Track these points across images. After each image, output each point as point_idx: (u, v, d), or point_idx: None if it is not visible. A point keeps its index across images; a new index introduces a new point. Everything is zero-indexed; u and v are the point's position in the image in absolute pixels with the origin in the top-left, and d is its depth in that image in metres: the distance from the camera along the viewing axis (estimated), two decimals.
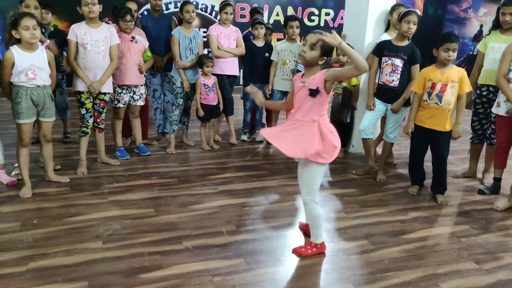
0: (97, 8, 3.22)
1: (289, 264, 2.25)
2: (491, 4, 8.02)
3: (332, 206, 3.00)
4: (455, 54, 2.94)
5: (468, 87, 3.01)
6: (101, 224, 2.56)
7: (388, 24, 3.93)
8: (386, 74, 3.44)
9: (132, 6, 3.79)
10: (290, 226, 2.70)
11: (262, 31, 4.25)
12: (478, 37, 8.55)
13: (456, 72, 3.00)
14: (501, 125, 3.23)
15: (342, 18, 7.51)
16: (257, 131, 4.59)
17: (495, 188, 3.41)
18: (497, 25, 3.34)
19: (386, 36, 3.72)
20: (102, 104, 3.46)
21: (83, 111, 3.39)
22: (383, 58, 3.45)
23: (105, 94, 3.43)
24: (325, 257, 2.33)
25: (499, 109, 3.18)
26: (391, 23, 3.82)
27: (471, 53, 8.63)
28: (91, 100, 3.40)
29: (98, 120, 3.50)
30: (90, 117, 3.43)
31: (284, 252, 2.36)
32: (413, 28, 3.32)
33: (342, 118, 4.00)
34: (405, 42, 3.41)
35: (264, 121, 4.81)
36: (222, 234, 2.52)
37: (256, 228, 2.62)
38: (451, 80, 2.98)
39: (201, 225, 2.61)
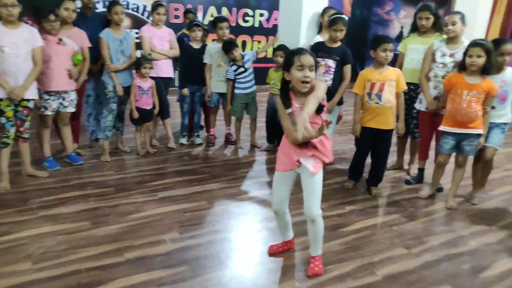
0: (17, 11, 3.00)
1: (235, 267, 2.27)
2: (410, 7, 8.61)
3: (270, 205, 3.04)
4: (392, 54, 3.12)
5: (404, 85, 3.21)
6: (31, 243, 2.39)
7: (320, 26, 4.08)
8: (320, 75, 3.57)
9: (71, 5, 3.53)
10: (234, 229, 2.71)
11: (199, 33, 4.21)
12: (399, 38, 9.16)
13: (392, 72, 3.18)
14: (423, 120, 3.50)
15: (276, 19, 7.66)
16: (195, 133, 4.54)
17: (420, 178, 3.69)
18: (415, 28, 3.61)
19: (319, 38, 3.86)
20: (25, 112, 3.22)
21: (3, 120, 3.12)
22: (317, 60, 3.57)
23: (28, 100, 3.20)
24: (269, 257, 2.37)
25: (421, 105, 3.44)
26: (323, 25, 3.98)
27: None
28: (12, 107, 3.15)
29: (21, 129, 3.24)
30: (12, 126, 3.17)
31: (229, 256, 2.37)
32: (341, 34, 3.49)
33: (278, 118, 4.09)
34: (338, 44, 3.56)
35: (202, 123, 4.77)
36: (164, 242, 2.47)
37: (199, 233, 2.60)
38: (388, 79, 3.13)
39: (142, 235, 2.54)
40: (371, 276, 2.24)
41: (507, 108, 3.12)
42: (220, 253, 2.38)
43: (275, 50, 4.09)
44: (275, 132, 4.23)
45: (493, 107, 3.06)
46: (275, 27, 4.97)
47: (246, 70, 4.19)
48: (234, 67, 4.18)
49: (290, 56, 2.06)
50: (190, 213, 2.87)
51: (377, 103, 3.16)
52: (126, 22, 6.20)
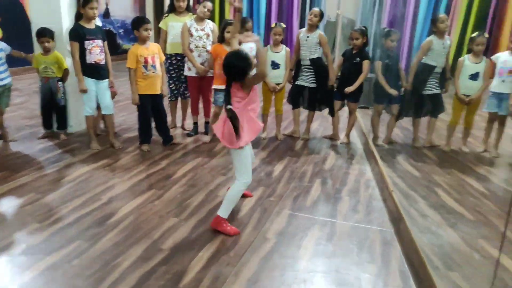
0: None
1: None
2: None
3: (101, 177, 3.28)
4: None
5: (163, 56, 3.99)
6: None
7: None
8: (97, 54, 3.85)
9: None
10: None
11: None
12: (107, 14, 9.89)
13: (154, 46, 3.85)
14: (192, 84, 4.40)
15: None
16: None
17: (196, 130, 4.63)
18: (172, 9, 4.37)
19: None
20: None
21: None
22: (86, 42, 3.78)
23: None
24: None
25: (191, 72, 4.31)
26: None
27: None
28: None
29: None
30: None
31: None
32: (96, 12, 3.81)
33: (58, 101, 4.13)
34: (93, 25, 3.85)
35: None
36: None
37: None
38: (155, 52, 3.81)
39: None
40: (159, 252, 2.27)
41: None
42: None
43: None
44: (50, 116, 4.24)
45: None
46: None
47: None
48: None
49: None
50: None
51: (154, 72, 3.82)
52: None
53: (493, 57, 4.09)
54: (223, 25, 4.06)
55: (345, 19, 9.89)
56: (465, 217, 2.83)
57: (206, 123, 4.64)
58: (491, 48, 8.33)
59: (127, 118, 5.15)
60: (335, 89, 4.36)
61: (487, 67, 4.00)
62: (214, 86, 4.18)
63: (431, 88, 4.17)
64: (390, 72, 4.23)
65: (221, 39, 4.05)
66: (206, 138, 4.40)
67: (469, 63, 4.04)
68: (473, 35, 4.08)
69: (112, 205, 2.82)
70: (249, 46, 4.00)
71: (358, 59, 4.18)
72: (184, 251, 2.28)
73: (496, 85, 4.04)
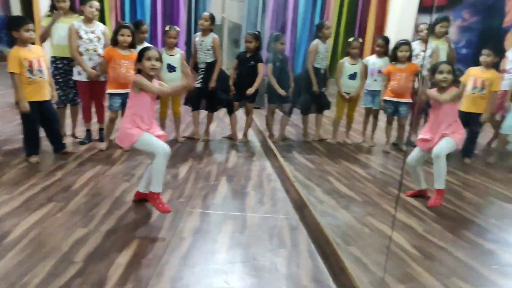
0: None
1: None
2: None
3: None
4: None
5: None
6: None
7: None
8: None
9: None
10: None
11: None
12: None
13: (37, 48, 3.58)
14: (83, 89, 4.17)
15: None
16: None
17: (89, 137, 4.39)
18: (54, 8, 4.08)
19: None
20: None
21: None
22: None
23: None
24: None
25: (81, 76, 4.08)
26: None
27: None
28: None
29: None
30: None
31: None
32: None
33: None
34: None
35: None
36: None
37: None
38: (39, 55, 3.54)
39: None
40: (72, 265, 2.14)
41: None
42: None
43: None
44: None
45: None
46: None
47: None
48: None
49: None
50: None
51: (41, 77, 3.55)
52: None
53: (364, 60, 4.70)
54: (117, 28, 3.95)
55: (231, 23, 10.23)
56: (354, 199, 3.23)
57: (101, 129, 4.44)
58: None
59: (4, 128, 4.63)
60: (234, 92, 4.54)
61: (363, 68, 4.59)
62: (108, 91, 4.03)
63: (319, 87, 4.62)
64: (281, 73, 4.57)
65: (115, 42, 3.92)
66: (103, 145, 4.20)
67: (348, 65, 4.58)
68: (350, 39, 4.65)
69: (4, 224, 2.56)
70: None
71: (252, 62, 4.42)
72: (99, 260, 2.20)
73: (369, 84, 4.65)
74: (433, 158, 3.02)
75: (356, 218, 2.90)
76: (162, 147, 2.65)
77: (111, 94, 4.01)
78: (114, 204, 2.92)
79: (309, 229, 2.65)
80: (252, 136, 4.96)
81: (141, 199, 2.95)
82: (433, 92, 3.12)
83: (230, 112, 4.67)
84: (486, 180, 3.85)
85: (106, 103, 4.25)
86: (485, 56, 4.12)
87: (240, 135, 4.81)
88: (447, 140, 3.03)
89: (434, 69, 3.09)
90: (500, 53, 4.33)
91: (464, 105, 4.17)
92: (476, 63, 4.26)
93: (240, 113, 4.96)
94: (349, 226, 2.78)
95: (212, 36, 4.44)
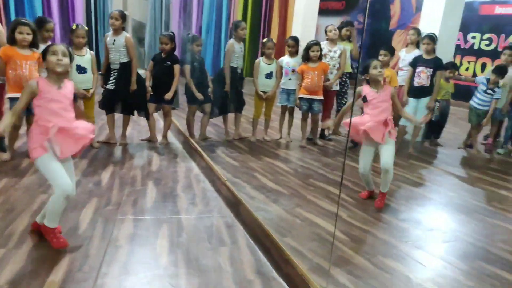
0: None
1: None
2: None
3: None
4: None
5: None
6: None
7: None
8: None
9: None
10: None
11: None
12: None
13: None
14: None
15: None
16: None
17: None
18: None
19: None
20: None
21: None
22: None
23: None
24: None
25: None
26: None
27: None
28: None
29: None
30: None
31: None
32: None
33: None
34: None
35: None
36: None
37: None
38: None
39: None
40: None
41: None
42: None
43: None
44: None
45: None
46: None
47: None
48: None
49: None
50: None
51: None
52: None
53: (278, 60, 4.91)
54: (14, 25, 3.58)
55: (134, 22, 9.88)
56: (281, 192, 3.38)
57: (1, 138, 3.99)
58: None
59: None
60: (151, 93, 4.42)
61: (277, 67, 4.79)
62: (8, 95, 3.61)
63: (235, 87, 4.71)
64: (199, 74, 4.57)
65: (12, 41, 3.55)
66: (6, 156, 3.78)
67: (264, 64, 4.75)
68: (264, 40, 4.81)
69: None
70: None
71: (168, 62, 4.35)
72: (28, 281, 2.01)
73: (284, 83, 4.87)
74: (382, 169, 3.11)
75: (286, 210, 3.04)
76: (62, 187, 2.20)
77: (11, 99, 3.62)
78: (32, 218, 2.65)
79: (246, 225, 2.73)
80: (171, 137, 4.87)
81: (37, 231, 2.44)
82: (406, 114, 3.49)
83: (147, 114, 4.53)
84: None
85: (6, 108, 3.83)
86: (383, 56, 4.58)
87: (159, 137, 4.70)
88: (389, 149, 3.11)
89: (367, 67, 3.21)
90: (392, 53, 4.84)
91: None
92: None
93: (156, 115, 4.84)
94: (281, 219, 2.91)
95: (125, 35, 4.27)
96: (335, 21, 11.22)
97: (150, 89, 4.41)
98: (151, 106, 4.49)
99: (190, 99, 4.65)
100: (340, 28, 5.17)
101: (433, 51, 4.64)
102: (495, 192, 3.78)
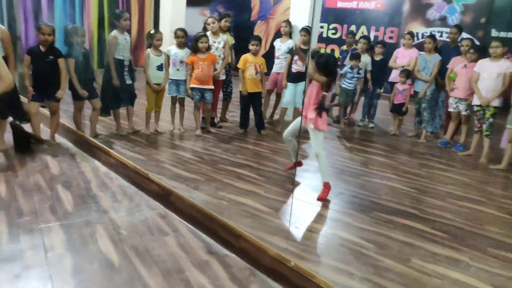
0: None
1: None
2: None
3: None
4: None
5: None
6: None
7: None
8: None
9: None
10: None
11: None
12: None
13: None
14: None
15: None
16: None
17: None
18: None
19: None
20: None
21: None
22: None
23: None
24: None
25: None
26: None
27: None
28: None
29: None
30: None
31: None
32: None
33: None
34: None
35: None
36: None
37: None
38: None
39: None
40: None
41: None
42: None
43: None
44: None
45: None
46: None
47: None
48: None
49: None
50: None
51: None
52: None
53: (165, 51, 4.92)
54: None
55: None
56: (198, 179, 3.53)
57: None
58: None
59: None
60: (33, 93, 4.00)
61: (166, 58, 4.80)
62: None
63: (125, 80, 4.58)
64: (85, 68, 4.31)
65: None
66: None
67: (154, 56, 4.71)
68: (152, 31, 4.77)
69: None
70: None
71: (51, 57, 4.00)
72: None
73: (173, 73, 4.92)
74: (315, 156, 3.38)
75: (210, 194, 3.22)
76: None
77: None
78: None
79: (181, 213, 2.83)
80: (57, 137, 4.50)
81: None
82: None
83: (20, 118, 4.09)
84: (283, 145, 4.80)
85: None
86: (255, 46, 5.03)
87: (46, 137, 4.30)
88: (315, 135, 3.33)
89: (316, 54, 3.47)
90: (261, 42, 5.32)
91: (249, 87, 5.02)
92: (244, 51, 5.14)
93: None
94: (208, 203, 3.08)
95: (1, 29, 3.78)
96: (198, 11, 11.45)
97: (31, 88, 3.99)
98: (34, 105, 4.07)
99: (76, 95, 4.36)
100: (219, 20, 5.43)
101: (309, 41, 5.27)
102: (367, 157, 4.60)
